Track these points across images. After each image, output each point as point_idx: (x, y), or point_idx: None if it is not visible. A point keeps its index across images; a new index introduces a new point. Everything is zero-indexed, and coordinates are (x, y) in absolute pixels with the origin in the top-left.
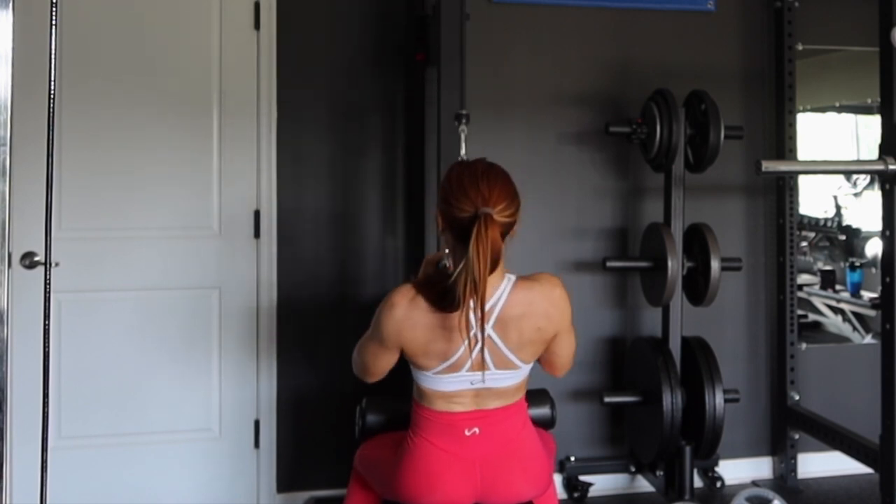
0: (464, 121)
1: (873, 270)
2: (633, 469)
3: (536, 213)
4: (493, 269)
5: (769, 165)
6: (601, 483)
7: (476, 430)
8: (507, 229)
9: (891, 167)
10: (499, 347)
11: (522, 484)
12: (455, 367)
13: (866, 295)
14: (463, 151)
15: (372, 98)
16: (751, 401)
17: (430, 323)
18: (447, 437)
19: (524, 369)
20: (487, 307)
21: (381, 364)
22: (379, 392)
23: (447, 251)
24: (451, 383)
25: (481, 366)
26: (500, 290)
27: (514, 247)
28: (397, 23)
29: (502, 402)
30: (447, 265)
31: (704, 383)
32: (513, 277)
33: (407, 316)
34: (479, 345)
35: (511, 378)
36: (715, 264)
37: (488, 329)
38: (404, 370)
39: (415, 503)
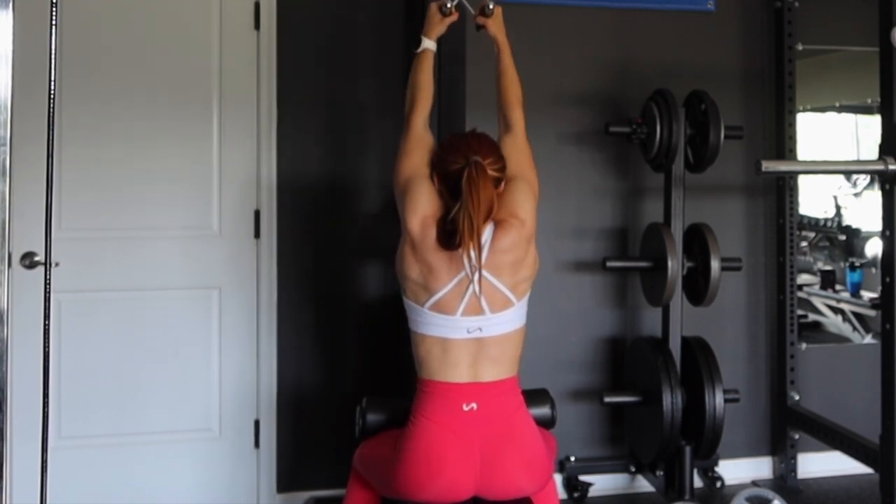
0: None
1: (873, 270)
2: (633, 469)
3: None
4: (486, 217)
5: (769, 165)
6: (601, 483)
7: (474, 405)
8: (496, 183)
9: (891, 167)
10: (494, 285)
11: (521, 472)
12: (445, 306)
13: (866, 295)
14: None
15: (372, 97)
16: (751, 401)
17: (426, 256)
18: (446, 413)
19: (519, 308)
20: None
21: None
22: (379, 392)
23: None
24: (446, 328)
25: (477, 308)
26: (486, 235)
27: None
28: (397, 21)
29: (498, 374)
30: (449, 7)
31: (704, 383)
32: (493, 224)
33: (421, 230)
34: (476, 274)
35: (507, 322)
36: (715, 264)
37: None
38: (404, 370)
39: (415, 494)
